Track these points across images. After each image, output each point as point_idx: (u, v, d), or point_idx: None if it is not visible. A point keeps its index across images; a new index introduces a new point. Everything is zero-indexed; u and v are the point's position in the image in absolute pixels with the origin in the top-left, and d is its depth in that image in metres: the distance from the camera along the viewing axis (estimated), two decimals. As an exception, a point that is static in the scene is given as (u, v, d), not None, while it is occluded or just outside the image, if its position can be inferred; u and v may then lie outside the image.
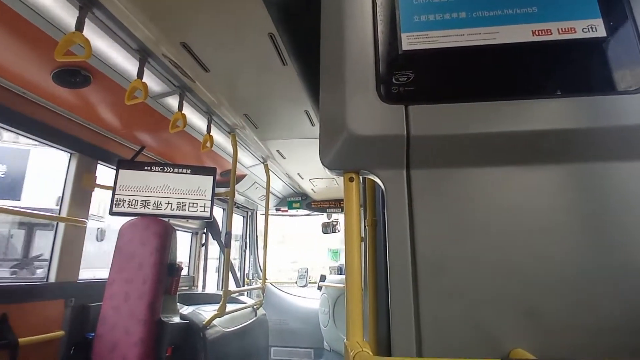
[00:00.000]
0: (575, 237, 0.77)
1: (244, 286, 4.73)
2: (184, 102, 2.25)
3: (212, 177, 2.81)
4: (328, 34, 0.93)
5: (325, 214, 5.39)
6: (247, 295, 4.07)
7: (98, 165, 2.65)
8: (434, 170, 0.82)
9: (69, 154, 2.49)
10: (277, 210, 5.46)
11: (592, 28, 0.81)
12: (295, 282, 4.95)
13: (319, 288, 4.47)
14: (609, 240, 0.76)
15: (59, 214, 2.41)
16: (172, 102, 2.29)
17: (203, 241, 4.05)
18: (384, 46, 0.88)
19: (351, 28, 0.91)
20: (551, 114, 0.79)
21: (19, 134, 2.19)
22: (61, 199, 2.45)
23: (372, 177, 0.85)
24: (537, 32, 0.83)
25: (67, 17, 1.50)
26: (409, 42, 0.86)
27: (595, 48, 0.82)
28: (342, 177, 0.85)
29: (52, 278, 2.31)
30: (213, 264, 4.47)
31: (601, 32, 0.81)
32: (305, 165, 3.89)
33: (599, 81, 0.81)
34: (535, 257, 0.76)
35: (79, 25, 1.48)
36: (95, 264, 3.92)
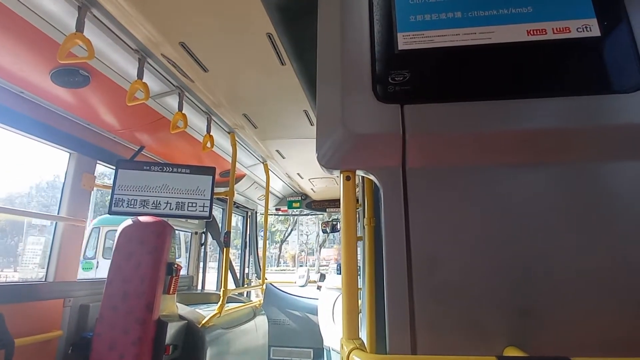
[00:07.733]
0: (570, 237, 0.77)
1: (243, 286, 4.73)
2: (183, 102, 2.25)
3: (211, 177, 2.81)
4: (325, 34, 0.94)
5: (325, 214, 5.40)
6: (246, 295, 4.07)
7: (97, 164, 2.66)
8: (429, 169, 0.83)
9: (68, 154, 2.49)
10: (277, 210, 5.46)
11: (586, 28, 0.82)
12: (295, 282, 4.95)
13: (319, 288, 4.47)
14: (604, 239, 0.76)
15: (58, 214, 2.41)
16: (171, 101, 2.29)
17: (202, 241, 4.06)
18: (380, 46, 0.88)
19: (348, 28, 0.91)
20: (546, 114, 0.79)
21: (19, 134, 2.19)
22: (60, 199, 2.45)
23: (368, 175, 0.86)
24: (532, 32, 0.83)
25: (65, 16, 1.50)
26: (405, 41, 0.87)
27: (590, 47, 0.82)
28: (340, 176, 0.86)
29: (51, 277, 2.31)
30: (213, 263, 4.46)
31: (595, 31, 0.82)
32: (304, 164, 3.89)
33: (594, 81, 0.81)
34: (530, 256, 0.77)
35: (79, 26, 1.48)
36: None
